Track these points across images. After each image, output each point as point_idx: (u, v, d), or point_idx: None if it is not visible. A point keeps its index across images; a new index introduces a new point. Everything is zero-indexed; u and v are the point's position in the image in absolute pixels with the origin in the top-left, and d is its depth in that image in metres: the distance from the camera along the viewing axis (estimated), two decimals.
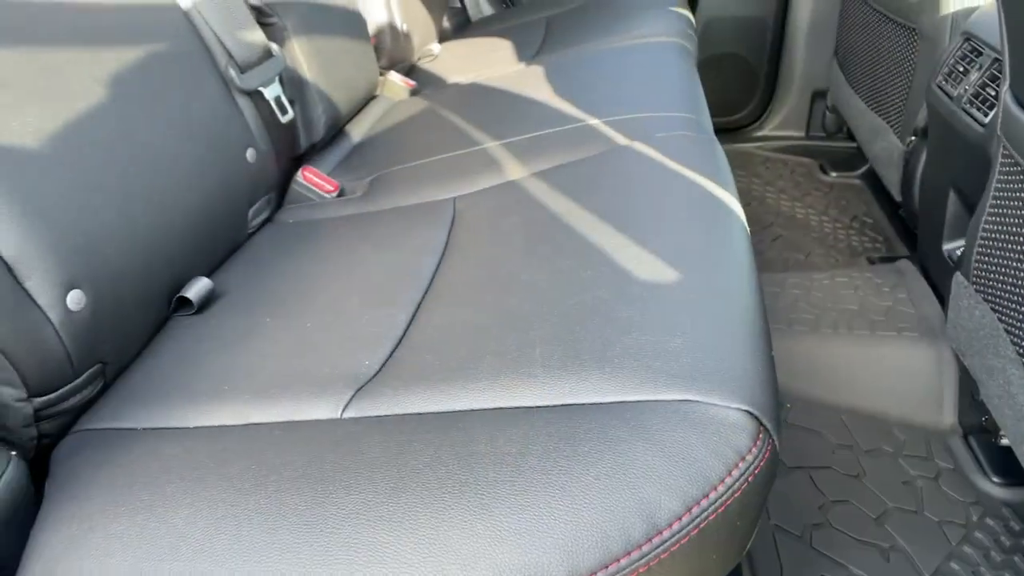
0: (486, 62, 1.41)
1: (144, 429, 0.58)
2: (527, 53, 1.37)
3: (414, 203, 0.87)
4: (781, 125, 1.92)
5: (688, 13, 1.38)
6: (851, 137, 1.76)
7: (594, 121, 0.88)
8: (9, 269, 0.54)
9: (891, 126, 1.31)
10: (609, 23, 1.38)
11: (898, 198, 1.30)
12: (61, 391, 0.59)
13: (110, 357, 0.64)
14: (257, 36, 0.88)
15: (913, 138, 1.20)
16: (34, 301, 0.56)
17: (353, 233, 0.84)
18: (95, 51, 0.68)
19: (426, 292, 0.66)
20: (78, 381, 0.61)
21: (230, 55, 0.83)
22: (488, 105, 1.10)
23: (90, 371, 0.62)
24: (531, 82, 1.13)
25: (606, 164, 0.78)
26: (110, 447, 0.56)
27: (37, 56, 0.62)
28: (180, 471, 0.48)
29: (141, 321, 0.68)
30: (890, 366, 1.04)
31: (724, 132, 1.95)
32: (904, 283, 1.19)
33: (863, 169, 1.69)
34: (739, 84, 1.89)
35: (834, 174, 1.73)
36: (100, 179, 0.63)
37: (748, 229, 0.64)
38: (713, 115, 1.91)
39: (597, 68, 1.11)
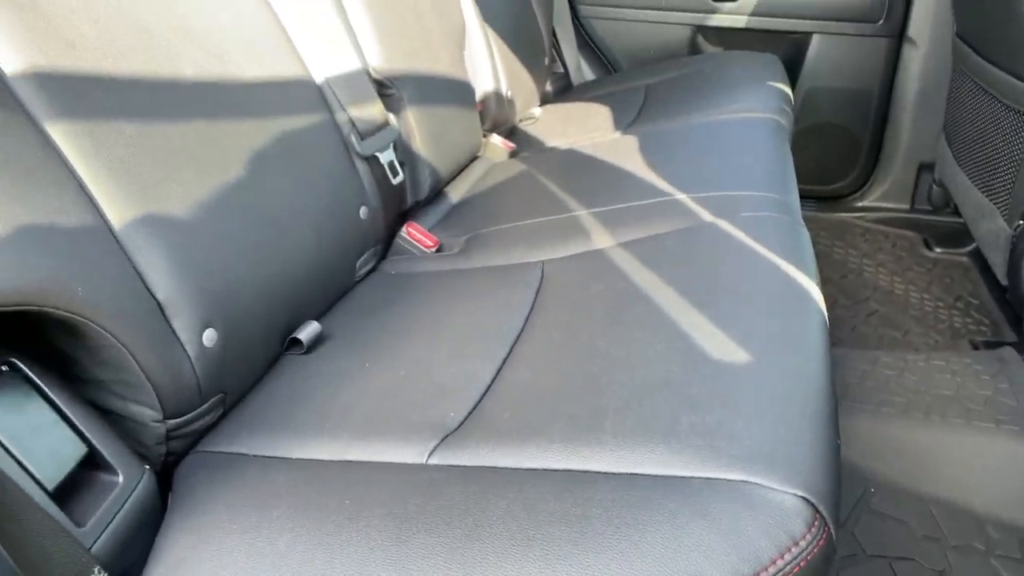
0: (584, 128, 1.48)
1: (255, 456, 0.65)
2: (623, 121, 1.43)
3: (505, 263, 0.93)
4: (884, 196, 1.87)
5: (786, 88, 1.40)
6: (959, 213, 1.70)
7: (681, 196, 0.92)
8: (161, 309, 0.64)
9: (998, 208, 1.27)
10: (705, 95, 1.42)
11: (1004, 282, 1.24)
12: (189, 415, 0.68)
13: (231, 388, 0.73)
14: (377, 107, 0.98)
15: (1021, 222, 1.15)
16: (177, 337, 0.65)
17: (448, 288, 0.91)
18: (242, 120, 0.79)
19: (510, 350, 0.71)
20: (203, 407, 0.69)
21: (353, 124, 0.94)
22: (581, 172, 1.16)
23: (214, 399, 0.71)
24: (624, 152, 1.18)
25: (690, 240, 0.81)
26: (225, 469, 0.64)
27: (196, 127, 0.73)
28: (285, 498, 0.55)
29: (259, 357, 0.77)
30: (986, 459, 0.99)
31: (823, 200, 1.92)
32: (1007, 372, 1.13)
33: (971, 247, 1.63)
34: (840, 153, 1.87)
35: (939, 250, 1.67)
36: (236, 233, 0.73)
37: (827, 317, 0.65)
38: (812, 183, 1.90)
39: (690, 142, 1.15)
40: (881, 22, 1.69)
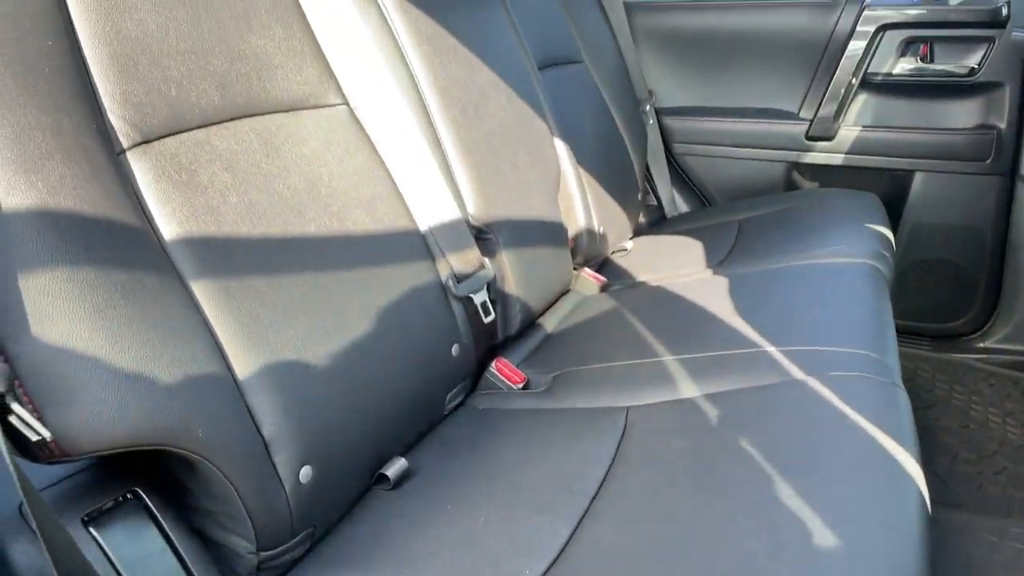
0: (675, 263, 1.50)
1: None
2: (715, 258, 1.44)
3: (590, 406, 0.95)
4: (1009, 337, 1.74)
5: (886, 231, 1.38)
6: None
7: (770, 348, 0.91)
8: (266, 447, 0.70)
9: None
10: (800, 235, 1.42)
11: None
12: (280, 548, 0.72)
13: (320, 522, 0.77)
14: (474, 253, 1.05)
15: None
16: (277, 473, 0.70)
17: (533, 428, 0.93)
18: (353, 270, 0.87)
19: (588, 506, 0.71)
20: (294, 541, 0.73)
21: (451, 268, 1.01)
22: (670, 313, 1.18)
23: (303, 533, 0.74)
24: (714, 293, 1.19)
25: (778, 398, 0.80)
26: None
27: (313, 278, 0.81)
28: None
29: (348, 492, 0.81)
30: None
31: (939, 340, 1.81)
32: None
33: None
34: (955, 290, 1.78)
35: None
36: (338, 373, 0.79)
37: (927, 498, 0.61)
38: (926, 320, 1.81)
39: (781, 287, 1.15)
40: (989, 161, 1.65)
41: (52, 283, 0.55)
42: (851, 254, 1.23)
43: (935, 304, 1.80)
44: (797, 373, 0.84)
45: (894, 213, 1.74)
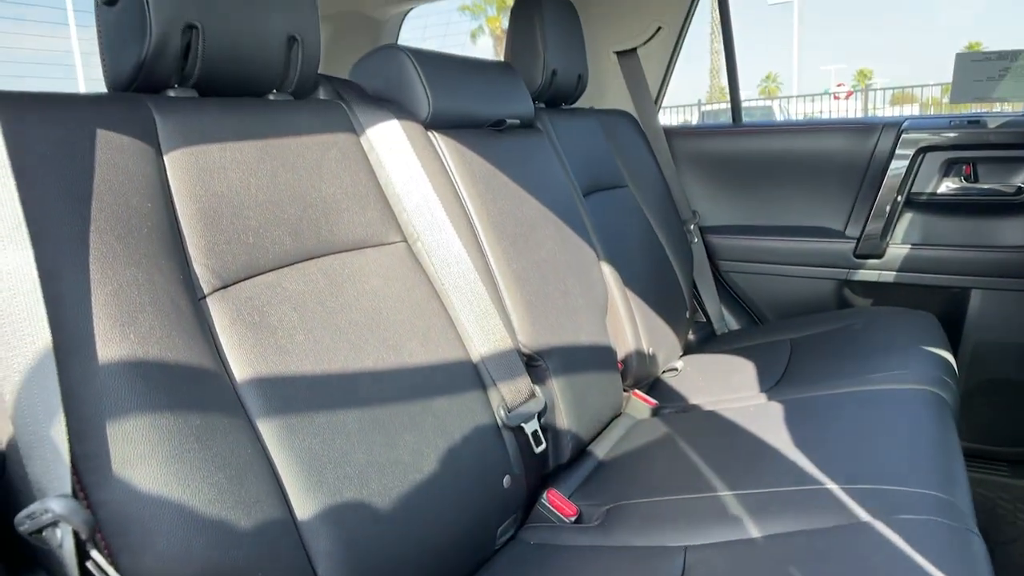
0: (727, 384, 1.48)
1: None
2: (768, 381, 1.42)
3: (646, 544, 0.92)
4: None
5: (946, 354, 1.34)
6: None
7: (832, 486, 0.88)
8: None
9: None
10: (855, 357, 1.39)
11: None
12: None
13: None
14: (524, 382, 1.07)
15: None
16: None
17: (586, 567, 0.90)
18: (407, 402, 0.89)
19: None
20: None
21: (503, 398, 1.02)
22: (725, 442, 1.15)
23: None
24: (769, 421, 1.16)
25: (843, 542, 0.76)
26: None
27: (369, 412, 0.84)
28: None
29: None
30: None
31: (1017, 464, 1.71)
32: None
33: None
34: None
35: None
36: (390, 511, 0.80)
37: None
38: (1000, 443, 1.71)
39: (839, 417, 1.12)
40: None
41: (136, 430, 0.59)
42: (911, 379, 1.20)
43: (1009, 426, 1.70)
44: (862, 515, 0.80)
45: (953, 332, 1.70)
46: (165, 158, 0.77)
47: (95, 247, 0.64)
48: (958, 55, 1.71)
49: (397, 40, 2.45)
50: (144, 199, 0.72)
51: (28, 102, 0.66)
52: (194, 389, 0.66)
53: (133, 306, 0.64)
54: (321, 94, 1.09)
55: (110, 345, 0.61)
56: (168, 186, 0.77)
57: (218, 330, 0.74)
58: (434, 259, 1.06)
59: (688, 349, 1.87)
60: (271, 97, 0.96)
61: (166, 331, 0.66)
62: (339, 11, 2.25)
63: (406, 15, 2.42)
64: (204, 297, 0.75)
